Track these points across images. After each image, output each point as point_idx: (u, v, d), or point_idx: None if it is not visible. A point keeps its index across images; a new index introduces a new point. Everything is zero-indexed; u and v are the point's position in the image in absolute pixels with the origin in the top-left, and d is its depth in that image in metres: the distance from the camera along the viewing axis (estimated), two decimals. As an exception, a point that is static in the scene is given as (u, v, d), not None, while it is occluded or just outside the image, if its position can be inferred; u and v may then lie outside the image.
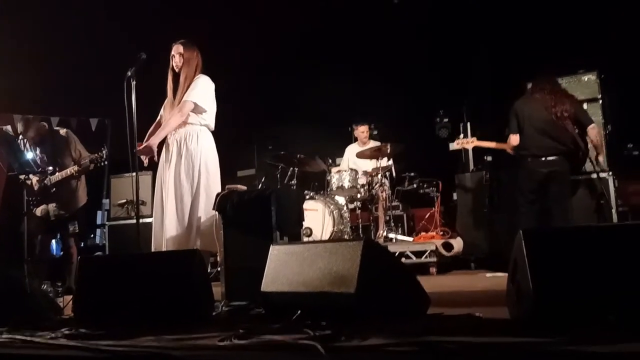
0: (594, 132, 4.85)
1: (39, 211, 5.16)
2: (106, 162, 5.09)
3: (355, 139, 7.43)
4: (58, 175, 5.08)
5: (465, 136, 5.86)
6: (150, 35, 4.21)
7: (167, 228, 3.97)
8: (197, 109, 4.08)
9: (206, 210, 3.99)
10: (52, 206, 5.17)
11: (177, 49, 4.12)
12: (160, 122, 4.19)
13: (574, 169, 4.91)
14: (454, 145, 5.66)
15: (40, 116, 5.76)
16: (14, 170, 5.27)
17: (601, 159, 4.96)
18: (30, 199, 5.07)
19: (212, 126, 4.22)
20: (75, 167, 5.07)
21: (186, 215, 4.00)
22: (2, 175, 6.63)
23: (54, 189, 5.11)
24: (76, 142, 5.33)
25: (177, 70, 4.11)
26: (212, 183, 4.11)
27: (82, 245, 7.72)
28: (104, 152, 5.02)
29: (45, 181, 5.07)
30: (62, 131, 5.38)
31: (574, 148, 4.77)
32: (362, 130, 7.23)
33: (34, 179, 5.10)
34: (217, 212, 3.86)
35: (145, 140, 4.10)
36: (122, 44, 5.29)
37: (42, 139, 5.29)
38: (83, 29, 7.19)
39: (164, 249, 3.94)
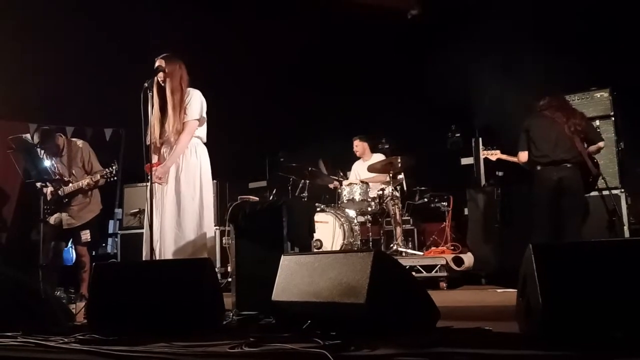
0: (594, 149, 4.86)
1: (52, 219, 5.21)
2: (116, 178, 5.12)
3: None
4: (71, 187, 5.13)
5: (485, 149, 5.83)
6: (166, 47, 4.26)
7: (167, 242, 3.96)
8: (200, 122, 4.15)
9: (208, 223, 4.06)
10: (64, 215, 5.21)
11: (158, 63, 4.12)
12: (155, 140, 4.10)
13: (585, 189, 4.90)
14: (484, 153, 5.63)
15: (56, 126, 5.81)
16: (29, 177, 5.33)
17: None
18: (44, 207, 5.13)
19: (205, 139, 4.26)
20: (87, 181, 5.11)
21: (190, 228, 4.00)
22: (17, 181, 6.72)
23: (66, 200, 5.16)
24: (90, 154, 5.35)
25: (162, 83, 4.11)
26: (210, 195, 4.18)
27: (93, 254, 7.80)
28: (114, 167, 5.05)
29: (59, 191, 5.13)
30: (79, 142, 5.42)
31: (583, 166, 4.77)
32: (355, 145, 7.25)
33: (49, 189, 5.16)
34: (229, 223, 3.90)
35: (153, 164, 4.04)
36: (137, 55, 5.37)
37: (59, 150, 5.32)
38: (98, 40, 7.31)
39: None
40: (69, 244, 5.82)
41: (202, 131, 4.21)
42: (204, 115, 4.16)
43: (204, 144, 4.25)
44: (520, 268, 2.49)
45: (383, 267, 2.53)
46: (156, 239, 3.95)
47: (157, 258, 3.89)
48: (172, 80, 4.08)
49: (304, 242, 3.86)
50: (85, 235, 5.25)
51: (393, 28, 7.62)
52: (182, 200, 4.01)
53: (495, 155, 5.49)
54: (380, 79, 7.82)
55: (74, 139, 5.52)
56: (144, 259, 4.01)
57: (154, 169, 3.98)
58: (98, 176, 5.09)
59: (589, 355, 1.90)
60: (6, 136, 5.40)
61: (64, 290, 5.34)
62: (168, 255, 3.93)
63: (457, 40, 6.74)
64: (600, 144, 4.88)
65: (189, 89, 4.15)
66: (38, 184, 5.17)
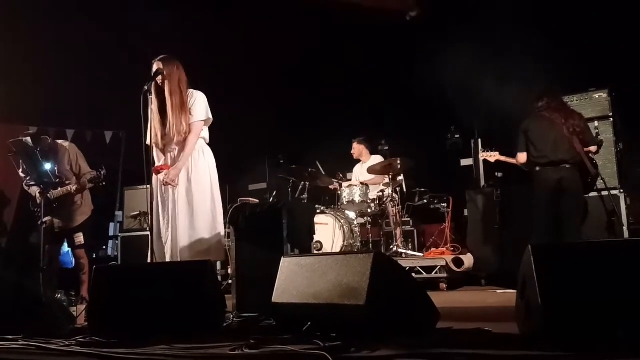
0: (589, 149, 4.87)
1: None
2: (104, 183, 5.05)
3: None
4: (60, 191, 5.10)
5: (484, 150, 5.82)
6: (166, 48, 4.27)
7: (181, 243, 3.94)
8: (207, 123, 4.16)
9: (221, 222, 4.06)
10: (56, 219, 5.19)
11: (156, 66, 4.09)
12: (157, 142, 4.08)
13: (584, 189, 4.91)
14: (483, 155, 5.61)
15: (56, 129, 5.77)
16: (29, 180, 5.31)
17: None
18: (35, 210, 5.12)
19: (208, 139, 4.27)
20: (74, 186, 5.08)
21: (204, 228, 3.99)
22: (18, 185, 6.71)
23: (56, 204, 5.12)
24: (78, 156, 5.28)
25: (160, 85, 4.08)
26: (219, 195, 4.18)
27: (94, 256, 7.80)
28: (102, 172, 4.99)
29: (49, 195, 5.08)
30: (65, 144, 5.36)
31: (582, 166, 4.78)
32: (352, 148, 7.28)
33: (37, 191, 5.13)
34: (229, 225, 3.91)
35: (161, 166, 4.04)
36: (137, 57, 5.38)
37: (46, 153, 5.27)
38: (98, 42, 7.33)
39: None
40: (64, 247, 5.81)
41: (206, 132, 4.22)
42: (210, 116, 4.16)
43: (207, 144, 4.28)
44: (520, 269, 2.50)
45: (383, 268, 2.54)
46: (167, 241, 3.96)
47: (172, 260, 3.89)
48: (170, 82, 4.06)
49: (304, 244, 3.87)
50: (79, 238, 5.23)
51: (392, 30, 7.63)
52: (195, 201, 4.00)
53: (494, 156, 5.49)
54: (380, 81, 7.83)
55: (59, 141, 5.42)
56: (155, 260, 4.03)
57: (164, 171, 3.98)
58: (86, 180, 5.06)
59: (589, 356, 1.91)
60: (6, 139, 5.39)
61: (65, 293, 5.33)
62: (184, 256, 3.91)
63: (456, 41, 6.76)
64: (592, 148, 4.88)
65: (191, 90, 4.14)
66: (35, 188, 5.15)
